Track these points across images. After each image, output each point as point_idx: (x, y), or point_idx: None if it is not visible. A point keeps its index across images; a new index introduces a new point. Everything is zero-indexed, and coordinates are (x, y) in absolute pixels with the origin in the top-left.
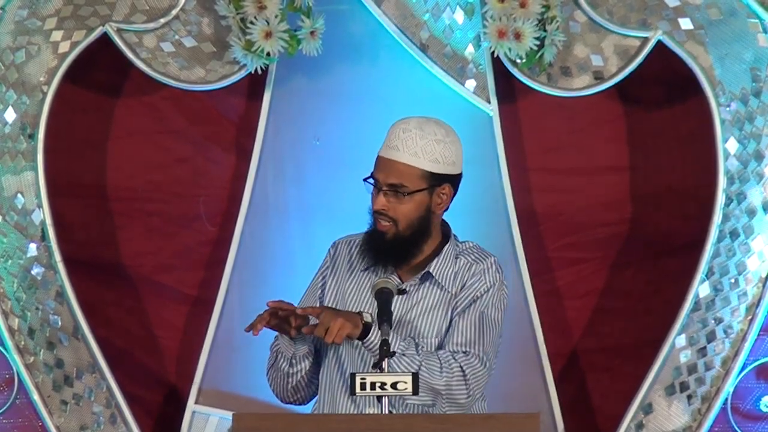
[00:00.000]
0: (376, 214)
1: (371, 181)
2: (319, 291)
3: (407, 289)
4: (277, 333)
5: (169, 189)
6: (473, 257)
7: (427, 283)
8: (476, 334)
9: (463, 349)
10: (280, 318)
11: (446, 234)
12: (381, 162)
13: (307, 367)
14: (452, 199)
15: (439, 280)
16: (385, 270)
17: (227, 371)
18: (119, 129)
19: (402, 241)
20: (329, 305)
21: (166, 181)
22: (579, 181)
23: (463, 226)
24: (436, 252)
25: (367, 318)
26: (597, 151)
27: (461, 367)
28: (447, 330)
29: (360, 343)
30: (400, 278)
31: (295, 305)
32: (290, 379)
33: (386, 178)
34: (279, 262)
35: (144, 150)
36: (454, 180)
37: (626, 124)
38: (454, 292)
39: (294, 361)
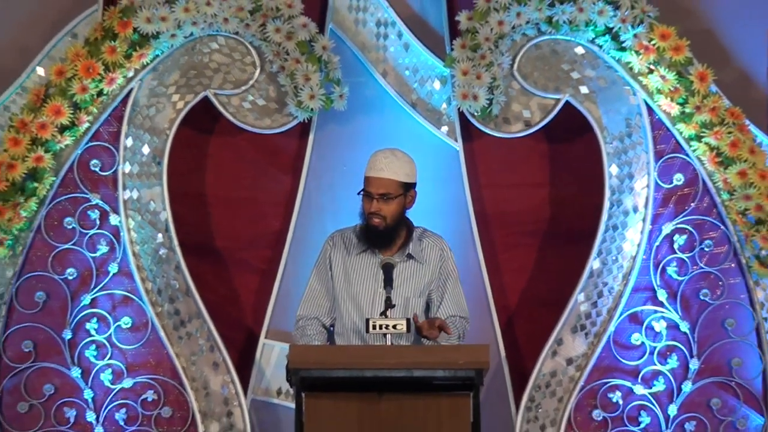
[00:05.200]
0: (370, 215)
1: (365, 193)
2: (329, 268)
3: (395, 264)
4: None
5: (246, 197)
6: (432, 239)
7: (407, 259)
8: (462, 300)
9: (461, 315)
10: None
11: (409, 223)
12: (372, 180)
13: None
14: (415, 200)
15: (415, 257)
16: (376, 252)
17: (285, 317)
18: (213, 158)
19: (390, 231)
20: (337, 278)
21: (245, 192)
22: (516, 193)
23: (437, 224)
24: (408, 236)
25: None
26: (527, 173)
27: (462, 331)
28: (422, 290)
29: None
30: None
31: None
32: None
33: (378, 190)
34: (318, 244)
35: (229, 171)
36: (415, 186)
37: (548, 155)
38: (424, 263)
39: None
